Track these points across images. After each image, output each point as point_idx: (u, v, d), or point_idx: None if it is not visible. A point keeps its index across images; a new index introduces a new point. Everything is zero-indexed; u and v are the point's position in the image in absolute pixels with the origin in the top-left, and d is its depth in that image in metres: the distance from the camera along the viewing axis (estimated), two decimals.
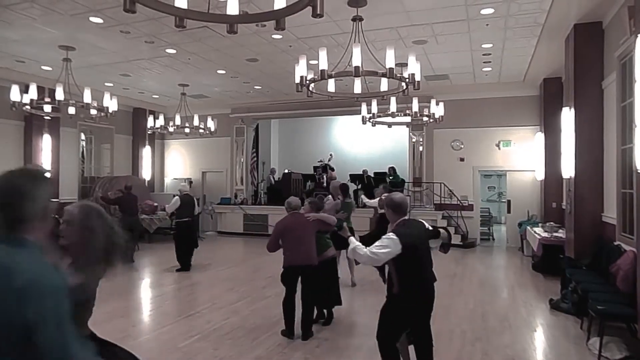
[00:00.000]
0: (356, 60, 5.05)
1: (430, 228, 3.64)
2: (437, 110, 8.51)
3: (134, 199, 10.05)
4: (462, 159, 12.08)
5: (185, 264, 8.60)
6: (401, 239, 3.18)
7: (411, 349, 3.55)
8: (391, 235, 3.24)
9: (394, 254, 3.17)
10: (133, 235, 9.21)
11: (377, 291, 6.78)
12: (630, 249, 5.13)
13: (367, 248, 3.26)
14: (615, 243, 5.78)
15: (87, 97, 7.82)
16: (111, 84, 11.14)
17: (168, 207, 8.86)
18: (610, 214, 6.27)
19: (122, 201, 9.81)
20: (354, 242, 3.47)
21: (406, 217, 3.52)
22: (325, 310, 5.47)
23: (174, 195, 9.19)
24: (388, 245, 3.19)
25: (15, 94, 7.49)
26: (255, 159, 14.74)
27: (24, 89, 7.70)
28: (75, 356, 1.44)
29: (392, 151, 14.57)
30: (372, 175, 13.64)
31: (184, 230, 8.73)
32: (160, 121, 11.07)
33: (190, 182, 15.06)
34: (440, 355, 4.42)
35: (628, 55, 5.62)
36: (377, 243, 3.26)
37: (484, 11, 6.77)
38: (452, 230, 11.44)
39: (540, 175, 10.67)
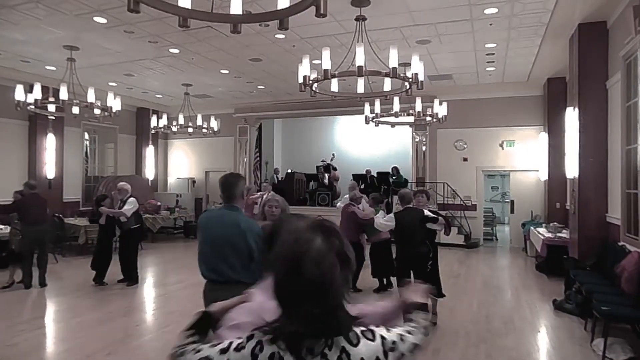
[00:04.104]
0: (359, 60, 5.04)
1: (431, 215, 5.25)
2: (441, 110, 8.49)
3: (40, 203, 7.30)
4: (465, 159, 12.05)
5: (137, 275, 7.56)
6: (396, 218, 5.24)
7: None
8: (391, 215, 5.44)
9: (391, 226, 5.28)
10: (41, 251, 7.24)
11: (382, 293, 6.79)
12: (634, 250, 5.11)
13: (382, 219, 5.49)
14: (620, 244, 5.76)
15: (91, 96, 7.85)
16: (115, 84, 11.18)
17: (127, 210, 7.13)
18: (615, 214, 6.24)
19: (22, 206, 7.09)
20: (380, 215, 5.72)
21: (410, 206, 5.32)
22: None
23: (104, 198, 7.73)
24: (388, 220, 5.36)
25: (19, 94, 7.53)
26: (258, 158, 14.76)
27: (29, 89, 7.73)
28: None
29: (395, 151, 14.56)
30: (376, 176, 13.63)
31: (137, 238, 7.73)
32: (164, 121, 11.11)
33: (194, 182, 15.13)
34: (444, 356, 4.42)
35: (633, 55, 5.59)
36: (385, 217, 5.52)
37: (487, 11, 6.74)
38: (455, 230, 11.48)
39: (544, 175, 10.63)
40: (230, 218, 2.97)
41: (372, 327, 1.23)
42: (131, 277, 7.40)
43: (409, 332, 1.31)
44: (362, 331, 1.19)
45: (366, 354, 1.15)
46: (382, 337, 1.21)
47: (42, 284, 7.12)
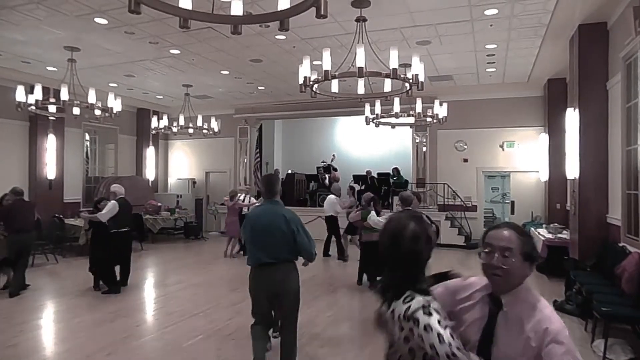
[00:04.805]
0: (360, 61, 5.05)
1: (427, 222, 5.25)
2: (441, 111, 8.50)
3: (27, 209, 7.07)
4: (465, 160, 12.05)
5: (116, 284, 6.94)
6: None
7: None
8: (392, 214, 5.28)
9: None
10: (23, 259, 6.88)
11: None
12: (635, 251, 5.12)
13: (377, 217, 6.01)
14: (620, 244, 5.76)
15: (91, 97, 7.86)
16: (115, 85, 11.19)
17: (102, 215, 6.73)
18: (615, 215, 6.24)
19: (8, 213, 6.80)
20: (373, 214, 6.23)
21: (410, 208, 5.46)
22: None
23: (100, 201, 7.23)
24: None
25: (20, 95, 7.54)
26: (258, 159, 14.77)
27: (29, 90, 7.74)
28: (310, 244, 3.65)
29: (396, 152, 14.56)
30: (376, 176, 13.63)
31: (122, 242, 7.00)
32: (164, 121, 11.11)
33: (194, 183, 15.13)
34: None
35: (633, 56, 5.60)
36: (385, 216, 5.85)
37: (488, 12, 6.75)
38: (455, 230, 11.52)
39: (545, 176, 10.64)
40: (276, 211, 3.67)
41: (415, 295, 1.59)
42: (107, 284, 6.89)
43: (452, 347, 1.48)
44: (408, 294, 1.60)
45: (396, 310, 1.59)
46: (408, 308, 1.55)
47: (14, 293, 6.58)
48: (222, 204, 10.85)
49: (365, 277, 7.62)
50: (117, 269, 7.11)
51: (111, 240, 6.85)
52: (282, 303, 3.72)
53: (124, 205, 6.93)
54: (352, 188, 10.35)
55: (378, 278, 7.57)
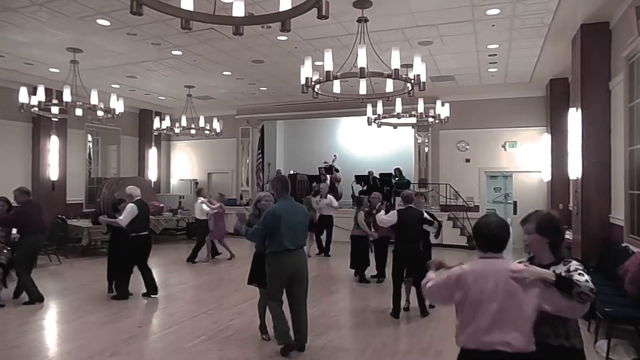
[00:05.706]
0: (361, 62, 5.05)
1: (429, 218, 5.94)
2: (443, 111, 8.49)
3: (38, 210, 6.54)
4: (467, 160, 12.04)
5: (124, 290, 6.58)
6: (398, 214, 5.79)
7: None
8: (394, 211, 6.08)
9: (393, 221, 5.78)
10: (33, 262, 6.54)
11: (382, 294, 6.79)
12: (638, 251, 5.10)
13: (381, 215, 6.16)
14: (623, 245, 5.74)
15: (94, 98, 7.88)
16: (118, 86, 11.22)
17: (122, 219, 6.38)
18: (618, 215, 6.22)
19: (26, 213, 6.23)
20: (382, 213, 6.44)
21: (411, 205, 5.79)
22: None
23: (120, 202, 6.84)
24: (390, 215, 5.91)
25: (23, 96, 7.57)
26: (260, 160, 14.77)
27: (32, 91, 7.77)
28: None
29: (398, 152, 14.55)
30: (378, 177, 13.62)
31: (143, 246, 6.58)
32: (167, 122, 11.13)
33: (197, 184, 15.14)
34: (446, 357, 4.41)
35: (635, 56, 5.58)
36: (388, 214, 6.12)
37: (489, 12, 6.74)
38: (457, 231, 11.50)
39: (547, 176, 10.61)
40: (297, 207, 4.53)
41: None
42: (117, 288, 6.63)
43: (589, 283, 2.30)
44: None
45: (557, 270, 2.40)
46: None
47: (19, 294, 6.32)
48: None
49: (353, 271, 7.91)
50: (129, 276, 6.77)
51: (131, 245, 6.49)
52: (301, 282, 4.42)
53: (142, 208, 6.55)
54: (315, 194, 10.56)
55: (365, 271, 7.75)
